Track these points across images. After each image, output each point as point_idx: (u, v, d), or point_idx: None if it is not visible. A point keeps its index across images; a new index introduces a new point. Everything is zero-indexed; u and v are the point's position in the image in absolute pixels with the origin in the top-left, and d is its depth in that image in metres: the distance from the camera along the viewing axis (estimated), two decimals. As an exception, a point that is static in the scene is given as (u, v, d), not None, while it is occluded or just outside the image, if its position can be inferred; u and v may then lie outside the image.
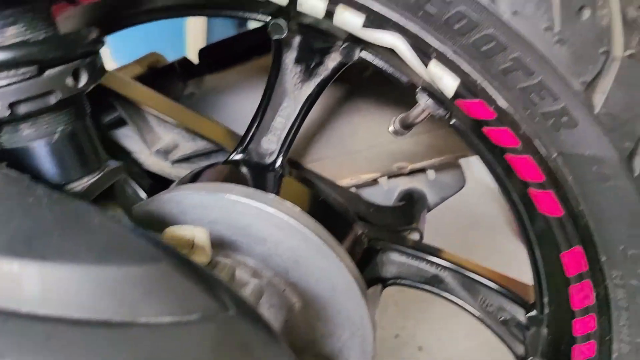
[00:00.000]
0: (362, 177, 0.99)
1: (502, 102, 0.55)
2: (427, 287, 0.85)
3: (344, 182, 1.00)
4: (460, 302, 0.83)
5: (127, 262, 0.39)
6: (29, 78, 0.47)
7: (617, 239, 0.57)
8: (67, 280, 0.38)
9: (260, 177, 0.80)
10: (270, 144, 0.81)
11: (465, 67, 0.54)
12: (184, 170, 0.98)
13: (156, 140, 0.98)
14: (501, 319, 0.80)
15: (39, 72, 0.47)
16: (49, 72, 0.48)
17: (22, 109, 0.48)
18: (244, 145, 0.82)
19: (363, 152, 0.96)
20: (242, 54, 1.07)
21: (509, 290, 0.78)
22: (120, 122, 0.96)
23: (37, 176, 0.52)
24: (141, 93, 0.97)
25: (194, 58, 1.15)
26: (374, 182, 1.02)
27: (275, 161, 0.81)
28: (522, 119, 0.55)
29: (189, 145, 0.98)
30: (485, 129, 0.59)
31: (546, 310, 0.72)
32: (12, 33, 0.48)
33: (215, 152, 0.98)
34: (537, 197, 0.60)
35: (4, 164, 0.53)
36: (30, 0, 0.49)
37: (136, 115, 0.94)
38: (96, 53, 0.52)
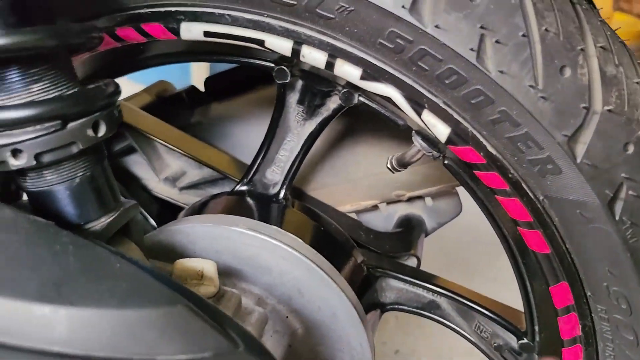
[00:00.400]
0: (362, 203, 1.03)
1: (491, 149, 0.59)
2: (424, 312, 0.89)
3: (345, 208, 1.04)
4: (456, 327, 0.87)
5: (147, 305, 0.43)
6: (54, 131, 0.51)
7: (600, 276, 0.61)
8: (92, 323, 0.42)
9: (264, 207, 0.84)
10: (274, 175, 0.85)
11: (456, 116, 0.58)
12: (191, 196, 1.02)
13: (165, 167, 1.03)
14: (495, 344, 0.84)
15: (62, 126, 0.52)
16: (72, 125, 0.52)
17: (47, 158, 0.53)
18: (249, 176, 0.86)
19: (364, 180, 1.00)
20: (247, 83, 1.11)
21: (502, 318, 0.82)
22: (130, 150, 1.00)
23: (58, 217, 0.57)
24: (150, 123, 1.02)
25: (199, 85, 1.19)
26: (374, 207, 1.06)
27: (279, 192, 0.85)
28: (511, 165, 0.59)
29: (195, 173, 1.02)
30: (476, 172, 0.63)
31: (537, 338, 0.75)
32: (37, 89, 0.52)
33: (221, 179, 1.02)
34: (526, 235, 0.64)
35: (30, 211, 0.57)
36: (54, 59, 0.53)
37: (146, 144, 0.99)
38: (114, 104, 0.56)
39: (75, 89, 0.53)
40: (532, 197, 0.60)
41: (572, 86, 0.53)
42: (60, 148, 0.52)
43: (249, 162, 1.05)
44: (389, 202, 1.06)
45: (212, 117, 1.10)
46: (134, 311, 0.42)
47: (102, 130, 0.55)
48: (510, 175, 0.60)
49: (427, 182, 0.99)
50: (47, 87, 0.52)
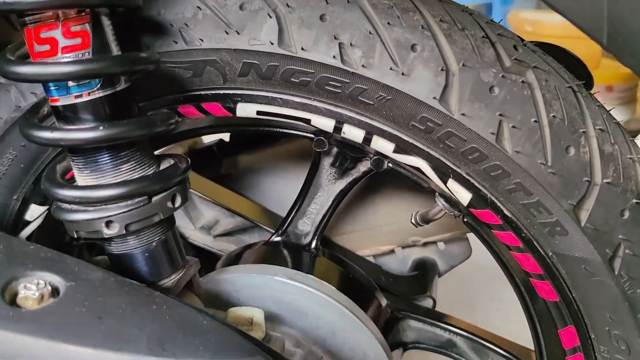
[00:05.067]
0: (381, 248, 1.13)
1: (507, 213, 0.68)
2: (442, 350, 0.98)
3: (364, 252, 1.13)
4: (471, 364, 0.96)
5: (234, 357, 0.52)
6: (142, 205, 0.61)
7: (603, 321, 0.70)
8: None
9: (298, 256, 0.93)
10: (306, 226, 0.95)
11: (477, 185, 0.68)
12: (224, 243, 1.12)
13: (200, 216, 1.12)
14: (508, 380, 0.93)
15: (148, 201, 0.61)
16: (155, 200, 0.62)
17: (133, 227, 0.62)
18: (283, 228, 0.95)
19: (383, 227, 1.10)
20: (271, 137, 1.20)
21: (515, 356, 0.91)
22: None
23: (137, 275, 0.66)
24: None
25: (226, 138, 1.29)
26: (391, 252, 1.15)
27: (310, 242, 0.94)
28: (524, 226, 0.68)
29: (228, 221, 1.11)
30: (493, 231, 0.72)
31: (547, 375, 0.84)
32: (126, 169, 0.62)
33: (251, 227, 1.11)
34: (537, 285, 0.74)
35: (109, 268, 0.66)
36: (139, 143, 0.63)
37: (183, 196, 1.08)
38: (187, 179, 0.66)
39: (157, 169, 0.63)
40: (543, 253, 0.69)
41: (576, 163, 0.63)
42: (146, 219, 0.62)
43: (276, 210, 1.15)
44: (404, 247, 1.15)
45: (241, 169, 1.20)
46: (225, 362, 0.51)
47: (178, 201, 0.64)
48: (523, 235, 0.69)
49: (442, 229, 1.09)
50: (134, 167, 0.62)
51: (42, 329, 0.50)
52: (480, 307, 2.14)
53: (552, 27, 2.82)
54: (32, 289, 0.52)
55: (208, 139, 1.30)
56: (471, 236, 1.17)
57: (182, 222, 1.11)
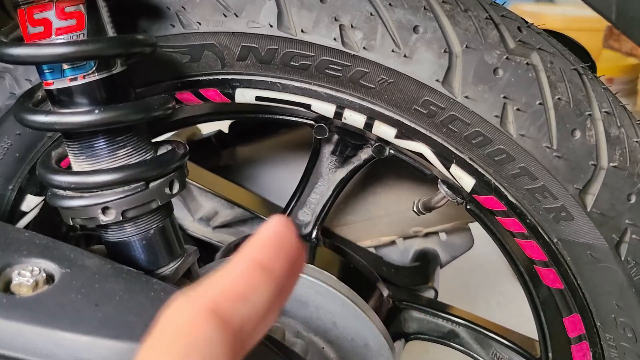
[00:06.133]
0: (382, 239, 1.11)
1: (511, 199, 0.67)
2: (444, 341, 0.97)
3: (365, 243, 1.12)
4: (475, 355, 0.94)
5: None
6: (139, 191, 0.59)
7: (608, 309, 0.69)
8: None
9: (298, 246, 0.92)
10: (306, 216, 0.93)
11: (481, 170, 0.67)
12: (223, 235, 1.10)
13: (198, 208, 1.11)
14: (511, 370, 0.92)
15: (145, 187, 0.60)
16: (153, 185, 0.60)
17: (130, 214, 0.61)
18: (283, 218, 0.93)
19: (384, 218, 1.08)
20: (269, 127, 1.19)
21: (518, 345, 0.89)
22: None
23: (134, 263, 0.64)
24: (185, 166, 1.10)
25: (224, 129, 1.28)
26: (392, 242, 1.14)
27: (311, 232, 0.92)
28: (528, 212, 0.67)
29: (228, 213, 1.10)
30: (497, 217, 0.71)
31: (551, 364, 0.83)
32: (123, 154, 0.60)
33: (251, 218, 1.10)
34: (541, 272, 0.72)
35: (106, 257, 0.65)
36: (136, 127, 0.61)
37: (181, 187, 1.06)
38: (185, 165, 0.65)
39: (154, 153, 0.62)
40: (547, 239, 0.68)
41: (582, 146, 0.62)
42: (143, 205, 0.60)
43: (276, 201, 1.13)
44: (405, 237, 1.14)
45: (240, 160, 1.19)
46: None
47: (176, 187, 0.63)
48: (528, 221, 0.68)
49: (443, 219, 1.08)
50: (131, 152, 0.61)
51: (37, 316, 0.49)
52: (481, 301, 2.13)
53: (553, 19, 2.81)
54: (26, 275, 0.51)
55: (206, 130, 1.28)
56: (473, 228, 1.16)
57: (181, 214, 1.10)
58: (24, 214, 0.82)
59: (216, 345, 0.27)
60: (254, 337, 0.31)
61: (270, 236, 0.32)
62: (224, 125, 1.29)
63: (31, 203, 0.82)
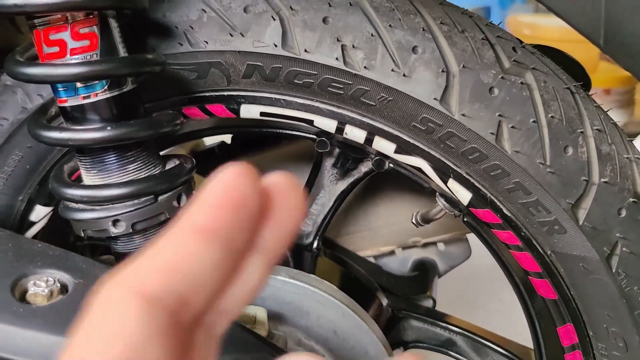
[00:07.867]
0: (381, 249, 1.14)
1: (506, 212, 0.70)
2: (442, 349, 0.99)
3: (365, 253, 1.14)
4: (471, 363, 0.97)
5: (239, 351, 0.53)
6: (148, 205, 0.62)
7: (600, 319, 0.71)
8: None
9: (299, 256, 0.94)
10: (307, 227, 0.96)
11: (477, 185, 0.69)
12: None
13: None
14: (507, 378, 0.94)
15: (154, 200, 0.62)
16: (161, 199, 0.63)
17: (139, 226, 0.63)
18: (285, 228, 0.96)
19: (383, 228, 1.11)
20: (271, 139, 1.21)
21: (513, 354, 0.92)
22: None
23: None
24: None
25: (227, 140, 1.30)
26: (391, 252, 1.16)
27: (312, 242, 0.95)
28: (523, 225, 0.69)
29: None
30: (493, 230, 0.73)
31: (545, 372, 0.85)
32: (132, 169, 0.63)
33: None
34: (536, 283, 0.75)
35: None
36: (144, 143, 0.64)
37: (185, 197, 1.09)
38: (192, 178, 0.67)
39: (163, 168, 0.64)
40: (541, 251, 0.70)
41: (574, 162, 0.65)
42: (152, 218, 0.63)
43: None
44: (404, 247, 1.16)
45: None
46: (231, 356, 0.52)
47: (184, 201, 0.65)
48: (522, 234, 0.70)
49: (442, 229, 1.10)
50: (141, 167, 0.63)
51: (52, 325, 0.51)
52: (479, 308, 2.15)
53: (550, 30, 2.84)
54: (41, 285, 0.53)
55: (210, 141, 1.31)
56: (470, 238, 1.18)
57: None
58: (33, 223, 0.85)
59: (146, 328, 0.24)
60: (216, 309, 0.28)
61: (214, 192, 0.27)
62: (226, 137, 1.32)
63: (40, 213, 0.84)
